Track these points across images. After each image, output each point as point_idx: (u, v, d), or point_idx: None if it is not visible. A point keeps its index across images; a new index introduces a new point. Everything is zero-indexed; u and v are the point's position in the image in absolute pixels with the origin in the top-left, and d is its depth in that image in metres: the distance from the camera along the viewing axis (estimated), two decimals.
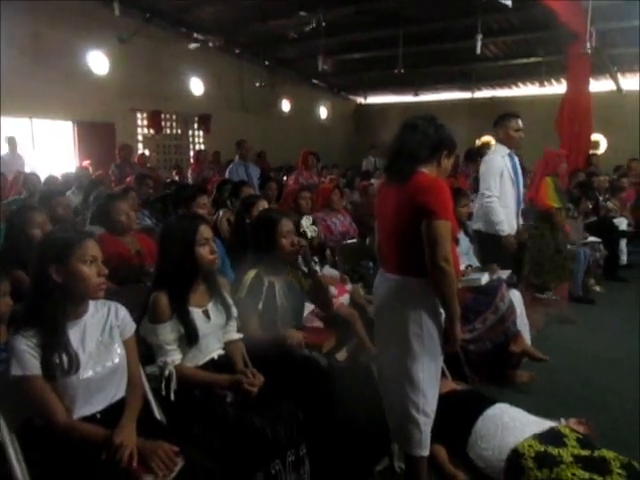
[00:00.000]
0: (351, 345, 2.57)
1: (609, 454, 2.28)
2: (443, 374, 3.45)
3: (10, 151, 7.80)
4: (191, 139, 11.77)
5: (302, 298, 2.70)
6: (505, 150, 4.38)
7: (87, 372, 1.72)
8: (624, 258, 7.04)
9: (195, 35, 10.67)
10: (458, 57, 10.79)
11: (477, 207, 4.59)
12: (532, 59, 11.20)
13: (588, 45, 7.74)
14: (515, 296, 3.96)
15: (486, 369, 3.64)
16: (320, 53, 9.91)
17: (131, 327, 1.91)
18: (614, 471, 2.18)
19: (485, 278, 3.82)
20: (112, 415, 1.76)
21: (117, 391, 1.83)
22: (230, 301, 2.31)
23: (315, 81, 14.20)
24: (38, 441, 1.69)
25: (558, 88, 11.75)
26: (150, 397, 2.05)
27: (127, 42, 9.66)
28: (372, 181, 8.83)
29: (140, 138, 10.68)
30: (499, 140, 4.43)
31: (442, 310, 2.23)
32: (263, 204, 3.31)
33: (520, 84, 13.36)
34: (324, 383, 2.26)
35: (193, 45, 10.71)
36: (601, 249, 6.14)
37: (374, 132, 15.28)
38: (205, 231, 2.18)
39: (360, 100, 16.23)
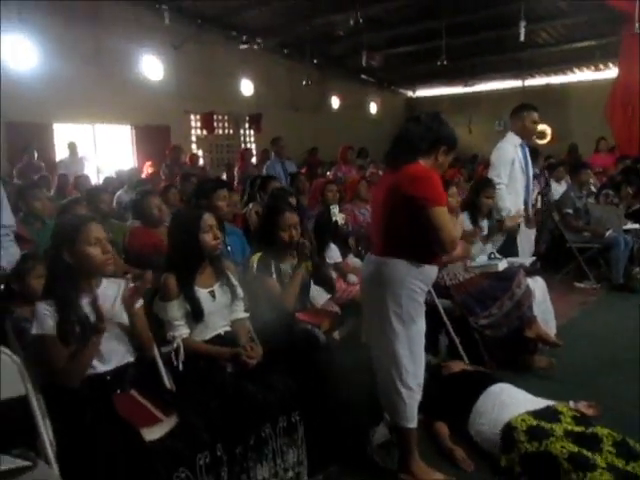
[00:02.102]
0: (349, 326, 2.73)
1: (602, 431, 2.32)
2: (458, 356, 3.60)
3: (70, 155, 8.45)
4: (242, 138, 12.19)
5: (307, 280, 2.89)
6: (517, 140, 4.43)
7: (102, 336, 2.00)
8: None
9: (244, 37, 11.05)
10: (508, 45, 10.60)
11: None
12: (585, 43, 10.83)
13: (638, 25, 7.45)
14: (537, 283, 3.98)
15: (503, 354, 3.70)
16: (363, 49, 10.01)
17: (139, 301, 2.18)
18: (604, 448, 2.23)
19: (503, 264, 3.87)
20: (120, 376, 2.04)
21: (124, 355, 2.11)
22: (236, 283, 2.54)
23: (364, 76, 14.29)
24: (58, 399, 1.98)
25: (614, 72, 11.29)
26: (161, 366, 2.30)
27: (180, 48, 10.17)
28: None
29: (194, 139, 11.20)
30: (513, 130, 4.46)
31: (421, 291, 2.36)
32: (293, 200, 3.55)
33: (575, 69, 12.91)
34: (322, 355, 2.46)
35: (243, 47, 11.10)
36: None
37: None
38: (209, 219, 2.43)
39: (410, 93, 16.17)
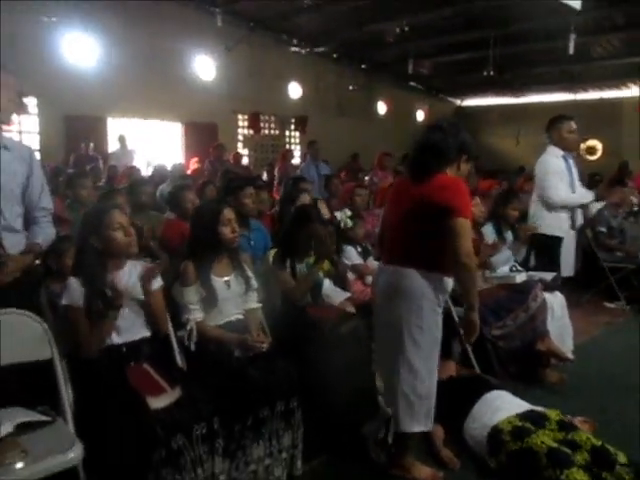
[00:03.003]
0: (354, 323, 2.87)
1: (582, 437, 2.37)
2: (470, 364, 3.67)
3: (121, 147, 8.92)
4: (287, 139, 12.45)
5: (321, 280, 3.05)
6: (559, 152, 4.40)
7: (120, 312, 2.22)
8: None
9: (294, 41, 11.31)
10: (559, 58, 10.45)
11: (532, 208, 4.63)
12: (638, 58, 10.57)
13: None
14: (557, 298, 4.00)
15: (515, 366, 3.74)
16: (411, 56, 10.09)
17: (158, 282, 2.39)
18: (583, 447, 2.29)
19: (521, 277, 3.92)
20: (136, 349, 2.27)
21: (141, 330, 2.33)
22: (251, 274, 2.73)
23: (412, 83, 14.33)
24: (79, 366, 2.21)
25: None
26: (175, 346, 2.51)
27: (232, 49, 10.51)
28: None
29: (240, 138, 11.54)
30: (553, 143, 4.45)
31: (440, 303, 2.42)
32: (305, 199, 3.72)
33: (629, 84, 12.56)
34: (325, 348, 2.61)
35: (293, 51, 11.37)
36: None
37: (472, 134, 15.06)
38: (228, 214, 2.62)
39: (458, 102, 16.08)
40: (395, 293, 2.39)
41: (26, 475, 1.76)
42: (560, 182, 4.34)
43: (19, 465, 1.76)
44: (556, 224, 4.41)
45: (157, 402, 2.05)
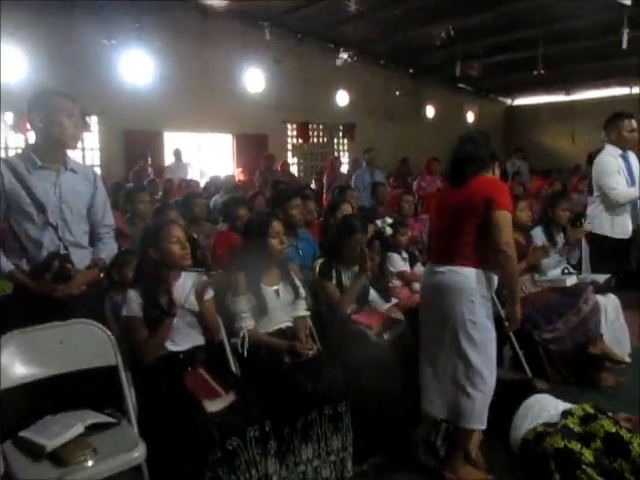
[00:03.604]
0: (399, 329, 2.93)
1: (597, 426, 2.34)
2: (522, 368, 3.64)
3: (176, 161, 9.28)
4: (336, 147, 12.58)
5: (367, 287, 3.12)
6: (617, 151, 4.28)
7: (176, 321, 2.37)
8: None
9: (341, 50, 11.44)
10: (611, 53, 10.12)
11: (591, 209, 4.54)
12: None
13: None
14: (610, 300, 3.91)
15: (568, 369, 3.69)
16: (458, 58, 10.02)
17: (210, 292, 2.54)
18: (593, 446, 2.26)
19: (572, 280, 3.86)
20: (192, 356, 2.41)
21: (196, 338, 2.48)
22: (299, 283, 2.85)
23: (461, 85, 14.18)
24: (141, 372, 2.38)
25: None
26: (229, 353, 2.65)
27: (280, 61, 10.74)
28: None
29: (290, 147, 11.76)
30: (611, 141, 4.34)
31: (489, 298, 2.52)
32: (347, 208, 3.81)
33: None
34: (371, 353, 2.69)
35: (340, 59, 11.49)
36: None
37: (524, 134, 14.80)
38: (277, 226, 2.75)
39: (509, 102, 15.77)
40: (447, 290, 2.50)
41: (95, 472, 1.92)
42: (619, 180, 4.24)
43: (89, 463, 1.93)
44: (617, 225, 4.31)
45: (213, 405, 2.18)
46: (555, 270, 4.12)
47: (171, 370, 2.34)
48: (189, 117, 9.73)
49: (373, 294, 3.27)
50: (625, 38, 7.72)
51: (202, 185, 8.36)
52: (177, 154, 9.38)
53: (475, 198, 2.45)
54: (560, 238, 4.29)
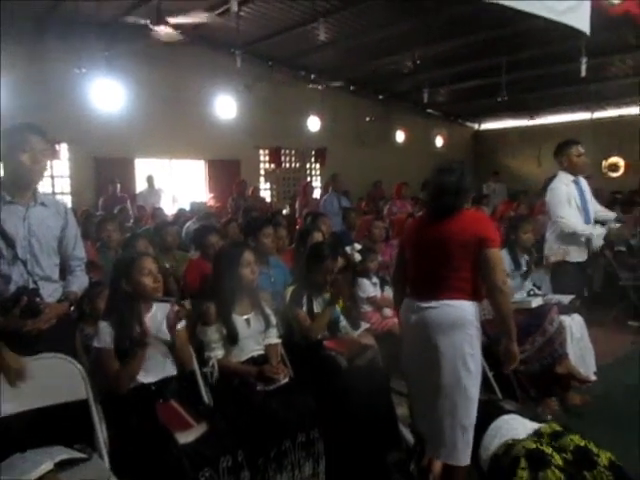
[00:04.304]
0: (370, 354, 2.98)
1: (567, 440, 2.38)
2: (491, 390, 3.71)
3: (148, 187, 9.28)
4: (308, 172, 12.72)
5: (337, 313, 3.17)
6: (569, 177, 4.44)
7: (147, 352, 2.38)
8: None
9: (312, 77, 11.65)
10: (573, 79, 10.55)
11: (548, 234, 4.68)
12: None
13: None
14: (575, 320, 4.04)
15: (536, 389, 3.77)
16: (426, 85, 10.31)
17: (182, 321, 2.55)
18: (567, 449, 2.32)
19: (537, 301, 3.97)
20: (163, 387, 2.41)
21: (168, 369, 2.49)
22: (269, 311, 2.88)
23: (430, 110, 14.51)
24: (112, 405, 2.37)
25: None
26: (200, 383, 2.65)
27: (252, 87, 10.85)
28: (482, 207, 8.99)
29: (262, 172, 11.84)
30: (563, 168, 4.50)
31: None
32: (317, 235, 3.87)
33: None
34: (343, 380, 2.72)
35: (311, 86, 11.69)
36: None
37: (492, 157, 15.19)
38: (249, 256, 2.79)
39: (476, 126, 16.21)
40: (445, 325, 2.47)
41: None
42: (570, 210, 4.38)
43: None
44: (573, 250, 4.44)
45: (184, 437, 2.19)
46: (521, 292, 4.24)
47: (143, 402, 2.34)
48: (161, 144, 9.75)
49: (343, 321, 3.33)
50: (584, 66, 8.04)
51: (174, 211, 8.34)
52: (149, 180, 9.38)
53: (467, 235, 2.46)
54: (524, 260, 4.43)
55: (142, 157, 10.10)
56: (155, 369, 2.44)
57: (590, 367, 4.04)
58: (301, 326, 3.01)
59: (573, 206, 4.43)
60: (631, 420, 3.46)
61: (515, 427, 2.68)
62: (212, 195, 9.11)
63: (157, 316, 2.51)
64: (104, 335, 2.38)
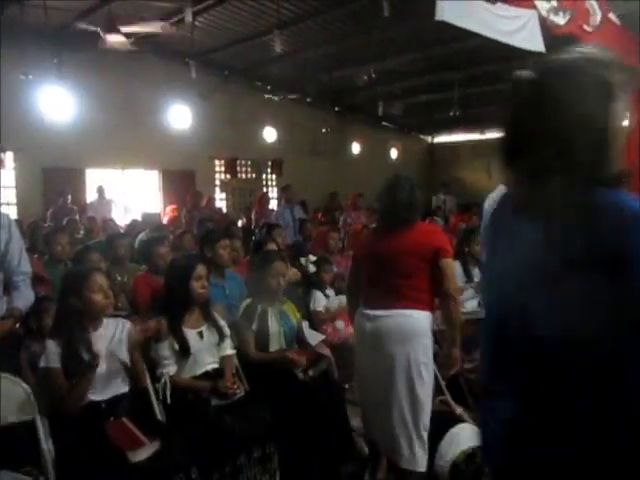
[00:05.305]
0: (323, 365, 3.00)
1: None
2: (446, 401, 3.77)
3: (99, 198, 9.05)
4: (265, 182, 12.69)
5: (293, 325, 3.17)
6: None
7: (98, 370, 2.31)
8: None
9: (268, 88, 11.67)
10: None
11: None
12: None
13: None
14: None
15: None
16: (381, 98, 10.48)
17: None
18: None
19: None
20: (114, 405, 2.34)
21: (119, 386, 2.41)
22: (223, 324, 2.85)
23: (385, 123, 14.75)
24: (60, 424, 2.29)
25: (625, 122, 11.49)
26: (153, 400, 2.59)
27: (207, 98, 10.77)
28: (435, 218, 9.19)
29: (218, 183, 11.74)
30: (504, 180, 4.68)
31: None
32: (272, 246, 3.87)
33: None
34: (297, 391, 2.72)
35: (267, 97, 11.70)
36: None
37: (445, 170, 15.56)
38: (201, 269, 2.76)
39: (429, 139, 16.59)
40: (400, 334, 2.53)
41: None
42: None
43: None
44: None
45: (136, 455, 2.14)
46: (472, 302, 4.34)
47: (92, 421, 2.27)
48: (112, 153, 9.54)
49: (304, 331, 3.33)
50: None
51: (127, 222, 8.16)
52: (100, 191, 9.14)
53: (422, 246, 2.56)
54: (476, 272, 4.55)
55: (93, 167, 9.85)
56: (106, 386, 2.37)
57: None
58: (243, 345, 2.97)
59: None
60: None
61: (471, 435, 2.73)
62: (173, 207, 8.93)
63: (107, 333, 2.44)
64: (51, 354, 2.29)
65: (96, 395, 2.34)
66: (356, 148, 14.29)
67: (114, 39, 7.17)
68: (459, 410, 3.40)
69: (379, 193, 2.84)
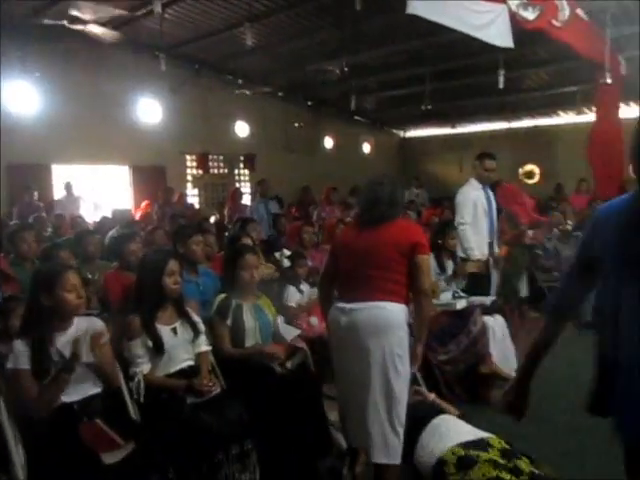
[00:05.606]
0: (299, 357, 2.99)
1: (523, 465, 2.47)
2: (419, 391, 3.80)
3: (67, 195, 8.84)
4: (237, 178, 12.58)
5: (269, 320, 3.14)
6: (478, 184, 4.73)
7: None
8: None
9: (240, 82, 11.55)
10: (493, 90, 11.11)
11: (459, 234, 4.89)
12: (567, 89, 11.33)
13: (608, 75, 7.84)
14: (497, 321, 4.22)
15: (461, 389, 3.91)
16: (353, 92, 10.49)
17: (105, 337, 2.42)
18: (525, 473, 2.41)
19: (462, 303, 4.12)
20: (87, 406, 2.27)
21: (91, 387, 2.35)
22: (197, 319, 2.80)
23: (358, 117, 14.77)
24: (30, 427, 2.22)
25: (593, 116, 11.75)
26: (127, 400, 2.54)
27: (178, 92, 10.61)
28: (408, 212, 9.23)
29: (189, 178, 11.58)
30: (474, 175, 4.79)
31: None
32: (246, 241, 3.83)
33: (560, 113, 13.39)
34: (273, 386, 2.70)
35: (239, 91, 11.58)
36: None
37: (417, 164, 15.68)
38: (173, 265, 2.70)
39: (402, 134, 16.69)
40: (375, 326, 2.53)
41: None
42: (477, 212, 4.69)
43: None
44: (476, 247, 4.67)
45: (111, 457, 2.08)
46: (446, 294, 4.39)
47: (64, 423, 2.20)
48: (80, 149, 9.30)
49: (279, 326, 3.31)
50: (501, 79, 8.46)
51: (97, 219, 7.99)
52: (68, 188, 8.92)
53: (401, 241, 2.58)
54: (449, 265, 4.60)
55: (60, 163, 9.59)
56: (77, 388, 2.30)
57: (512, 365, 4.23)
58: (218, 341, 2.94)
59: (480, 210, 4.70)
60: (549, 414, 3.68)
61: (454, 428, 2.73)
62: (147, 202, 8.76)
63: (79, 332, 2.36)
64: (20, 355, 2.21)
65: (67, 397, 2.27)
66: (329, 142, 14.30)
67: (86, 30, 6.97)
68: (432, 396, 3.40)
69: (362, 188, 2.85)
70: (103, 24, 7.60)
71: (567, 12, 6.87)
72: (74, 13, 7.05)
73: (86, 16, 7.18)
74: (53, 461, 2.10)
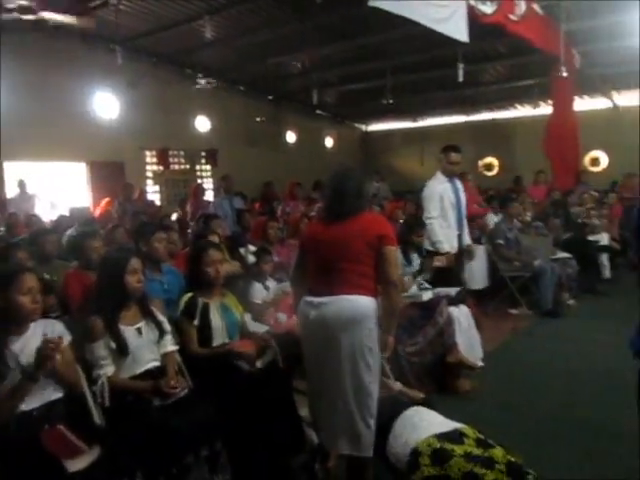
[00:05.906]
0: (270, 354, 2.96)
1: (498, 453, 2.51)
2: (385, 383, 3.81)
3: (20, 193, 8.52)
4: (199, 173, 12.39)
5: (236, 318, 3.09)
6: (444, 178, 4.79)
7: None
8: (606, 273, 7.22)
9: (199, 75, 11.34)
10: (451, 84, 11.25)
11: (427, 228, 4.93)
12: (524, 82, 11.58)
13: (564, 68, 8.03)
14: (462, 311, 4.27)
15: (430, 379, 3.95)
16: (315, 86, 10.45)
17: (66, 339, 2.32)
18: (496, 468, 2.44)
19: (428, 294, 4.16)
20: (47, 412, 2.18)
21: (52, 392, 2.25)
22: (162, 319, 2.73)
23: (320, 112, 14.75)
24: None
25: (549, 109, 12.04)
26: (91, 404, 2.45)
27: (135, 86, 10.36)
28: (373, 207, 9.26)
29: (149, 175, 11.34)
30: (440, 169, 4.84)
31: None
32: (213, 238, 3.76)
33: (517, 106, 13.68)
34: (243, 384, 2.65)
35: (198, 84, 11.37)
36: (573, 264, 6.36)
37: (379, 158, 15.78)
38: (135, 263, 2.63)
39: (363, 128, 16.75)
40: (346, 319, 2.52)
41: None
42: (444, 205, 4.76)
43: None
44: (445, 241, 4.73)
45: (75, 464, 2.00)
46: (412, 286, 4.42)
47: (24, 431, 2.11)
48: (34, 145, 8.96)
49: (249, 323, 3.27)
50: (461, 72, 8.56)
51: (54, 218, 7.73)
52: (21, 185, 8.59)
53: (369, 233, 2.56)
54: (415, 257, 4.64)
55: (12, 160, 9.21)
56: (36, 394, 2.19)
57: (477, 354, 4.31)
58: (186, 342, 2.88)
59: (447, 203, 4.76)
60: (515, 401, 3.76)
61: (427, 419, 2.73)
62: (107, 200, 8.50)
63: (36, 336, 2.26)
64: None
65: (26, 404, 2.16)
66: (291, 137, 14.26)
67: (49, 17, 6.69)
68: (398, 385, 3.41)
69: (326, 182, 2.82)
70: (57, 12, 7.30)
71: (523, 6, 7.00)
72: (24, 3, 6.75)
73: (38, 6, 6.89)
74: (12, 471, 2.00)
